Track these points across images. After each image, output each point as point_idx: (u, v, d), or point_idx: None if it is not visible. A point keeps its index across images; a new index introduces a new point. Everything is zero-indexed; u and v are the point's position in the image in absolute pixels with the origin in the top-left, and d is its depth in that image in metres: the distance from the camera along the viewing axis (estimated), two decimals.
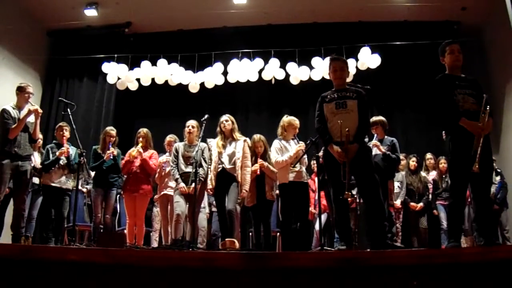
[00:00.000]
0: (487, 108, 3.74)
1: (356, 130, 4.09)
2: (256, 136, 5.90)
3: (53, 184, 6.13)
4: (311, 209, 6.45)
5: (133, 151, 6.19)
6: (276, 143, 5.73)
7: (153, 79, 8.59)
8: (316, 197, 6.00)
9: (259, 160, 5.69)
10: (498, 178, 7.29)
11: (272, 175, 5.72)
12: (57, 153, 6.10)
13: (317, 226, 6.38)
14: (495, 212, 7.10)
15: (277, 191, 5.89)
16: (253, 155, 5.81)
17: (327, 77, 8.14)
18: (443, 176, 6.92)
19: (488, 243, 3.58)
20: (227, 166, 5.50)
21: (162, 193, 6.21)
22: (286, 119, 5.82)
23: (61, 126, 6.28)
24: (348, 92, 4.26)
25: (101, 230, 6.15)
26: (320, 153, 4.95)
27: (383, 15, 8.60)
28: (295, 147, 5.58)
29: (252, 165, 5.68)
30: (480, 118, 3.73)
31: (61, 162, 6.14)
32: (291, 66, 8.23)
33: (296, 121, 5.76)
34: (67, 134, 6.13)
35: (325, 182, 5.64)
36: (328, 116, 4.22)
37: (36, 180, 6.39)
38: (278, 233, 6.55)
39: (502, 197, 7.19)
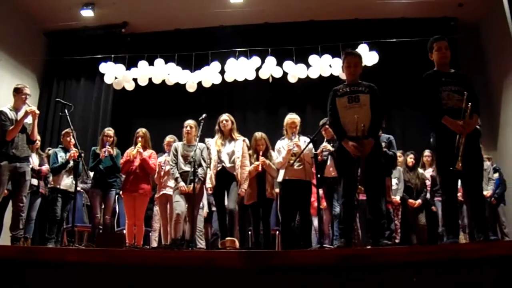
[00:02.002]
0: (469, 106, 3.73)
1: (369, 124, 4.06)
2: (258, 134, 5.87)
3: (61, 187, 6.27)
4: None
5: (132, 150, 6.19)
6: (276, 144, 5.71)
7: (150, 79, 8.58)
8: (320, 195, 5.91)
9: (261, 158, 5.68)
10: (496, 175, 7.32)
11: (273, 173, 5.72)
12: (67, 156, 6.24)
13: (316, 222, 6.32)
14: (492, 207, 7.15)
15: (277, 190, 5.89)
16: (254, 153, 5.80)
17: (325, 74, 8.18)
18: None
19: (486, 239, 3.59)
20: (227, 165, 5.51)
21: (161, 192, 6.20)
22: None
23: (67, 132, 6.34)
24: (361, 87, 4.21)
25: (100, 231, 6.16)
26: (318, 151, 4.93)
27: (380, 12, 8.59)
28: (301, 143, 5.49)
29: (254, 162, 5.68)
30: (462, 116, 3.72)
31: (69, 165, 6.29)
32: (288, 64, 8.24)
33: (289, 119, 5.65)
34: (73, 140, 6.16)
35: (324, 180, 5.65)
36: (340, 110, 4.17)
37: (34, 181, 6.39)
38: (277, 232, 6.55)
39: (500, 193, 7.22)
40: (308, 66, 8.22)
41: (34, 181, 6.40)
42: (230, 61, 8.34)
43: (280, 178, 5.51)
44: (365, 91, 4.17)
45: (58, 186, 6.25)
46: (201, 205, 6.17)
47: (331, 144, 5.70)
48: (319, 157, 5.28)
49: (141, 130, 6.34)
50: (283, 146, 5.55)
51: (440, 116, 3.80)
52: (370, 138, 4.02)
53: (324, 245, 4.72)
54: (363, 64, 4.59)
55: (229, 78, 8.39)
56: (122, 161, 6.21)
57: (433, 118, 3.92)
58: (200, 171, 5.56)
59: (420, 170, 7.25)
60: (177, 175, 5.65)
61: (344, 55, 4.46)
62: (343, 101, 4.17)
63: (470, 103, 3.73)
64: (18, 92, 5.49)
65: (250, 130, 6.64)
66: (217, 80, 8.43)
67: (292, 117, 5.66)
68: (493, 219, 7.10)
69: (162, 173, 6.30)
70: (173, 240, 5.55)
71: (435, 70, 4.09)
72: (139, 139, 6.24)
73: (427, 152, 7.41)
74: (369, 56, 8.01)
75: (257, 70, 8.33)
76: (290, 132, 5.57)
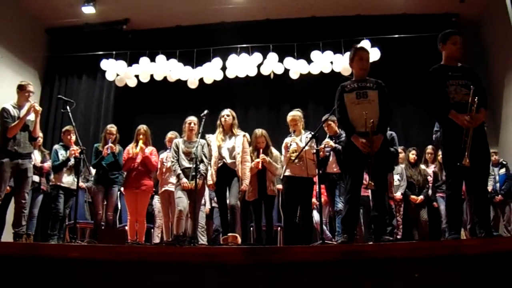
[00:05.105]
0: (476, 100, 3.68)
1: (378, 120, 4.04)
2: (258, 131, 5.87)
3: (63, 185, 6.27)
4: (314, 200, 6.27)
5: (133, 148, 6.20)
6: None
7: (152, 75, 8.59)
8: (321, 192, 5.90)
9: (261, 155, 5.68)
10: (503, 170, 7.30)
11: (273, 170, 5.72)
12: (67, 154, 6.25)
13: (317, 218, 6.33)
14: (499, 203, 7.14)
15: (278, 186, 5.89)
16: (255, 150, 5.80)
17: (326, 70, 8.17)
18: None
19: (488, 235, 3.58)
20: (228, 160, 5.50)
21: (163, 189, 6.21)
22: None
23: (68, 130, 6.35)
24: (368, 83, 4.20)
25: (103, 227, 6.17)
26: (320, 147, 4.92)
27: (381, 8, 8.58)
28: (298, 142, 5.51)
29: (254, 160, 5.68)
30: (469, 110, 3.68)
31: (70, 163, 6.28)
32: (290, 61, 8.23)
33: (288, 116, 5.68)
34: (74, 138, 6.15)
35: (326, 176, 5.65)
36: (348, 106, 4.14)
37: (36, 178, 6.40)
38: (279, 228, 6.55)
39: (506, 189, 7.19)
40: (310, 62, 8.21)
41: (36, 178, 6.41)
42: (232, 58, 8.34)
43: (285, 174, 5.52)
44: (373, 87, 4.15)
45: (59, 184, 6.27)
46: (203, 201, 6.18)
47: (333, 140, 5.70)
48: (321, 153, 5.28)
49: (142, 127, 6.34)
50: (289, 142, 5.56)
51: (447, 111, 3.76)
52: (380, 134, 4.01)
53: (326, 241, 4.72)
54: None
55: (230, 74, 8.40)
56: (124, 159, 6.21)
57: (440, 113, 3.89)
58: (201, 167, 5.56)
59: (422, 166, 7.24)
60: (179, 171, 5.64)
61: (354, 50, 4.40)
62: (351, 96, 4.15)
63: (476, 97, 3.69)
64: (21, 89, 5.50)
65: (252, 126, 6.61)
66: (219, 76, 8.43)
67: (291, 114, 5.68)
68: (495, 215, 7.11)
69: (164, 169, 6.30)
70: (175, 236, 5.56)
71: (441, 64, 4.04)
72: (140, 136, 6.24)
73: (429, 149, 7.39)
74: (370, 52, 7.96)
75: (259, 66, 8.34)
76: (292, 129, 5.59)
